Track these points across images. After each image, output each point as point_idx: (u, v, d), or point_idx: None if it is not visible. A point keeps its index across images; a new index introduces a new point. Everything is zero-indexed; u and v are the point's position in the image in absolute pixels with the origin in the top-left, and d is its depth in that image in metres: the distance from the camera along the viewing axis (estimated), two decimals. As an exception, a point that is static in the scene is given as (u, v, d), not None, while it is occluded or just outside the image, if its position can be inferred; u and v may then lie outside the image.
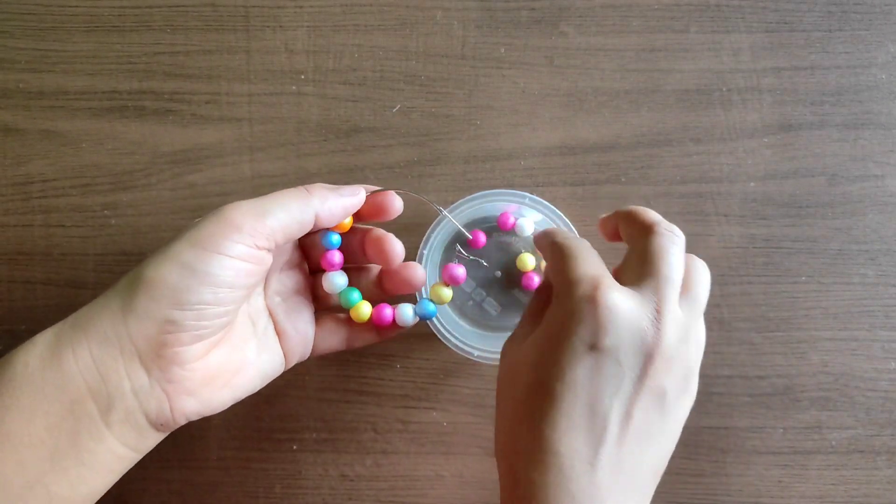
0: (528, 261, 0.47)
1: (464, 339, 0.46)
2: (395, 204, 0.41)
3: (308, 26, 0.51)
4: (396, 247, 0.41)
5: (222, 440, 0.49)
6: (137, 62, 0.51)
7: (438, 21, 0.51)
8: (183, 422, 0.37)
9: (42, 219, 0.50)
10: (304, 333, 0.42)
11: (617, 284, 0.34)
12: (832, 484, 0.49)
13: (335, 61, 0.51)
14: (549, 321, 0.35)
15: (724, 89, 0.50)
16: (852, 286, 0.49)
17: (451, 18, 0.51)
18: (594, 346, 0.33)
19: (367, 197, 0.41)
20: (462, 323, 0.48)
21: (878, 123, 0.50)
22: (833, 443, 0.49)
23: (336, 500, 0.49)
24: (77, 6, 0.51)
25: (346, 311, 0.43)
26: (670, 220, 0.49)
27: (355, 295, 0.42)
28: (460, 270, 0.43)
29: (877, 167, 0.50)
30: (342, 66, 0.51)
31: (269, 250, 0.37)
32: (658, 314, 0.34)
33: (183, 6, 0.51)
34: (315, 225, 0.38)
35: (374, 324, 0.43)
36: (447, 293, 0.43)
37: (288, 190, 0.38)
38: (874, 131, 0.50)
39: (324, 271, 0.42)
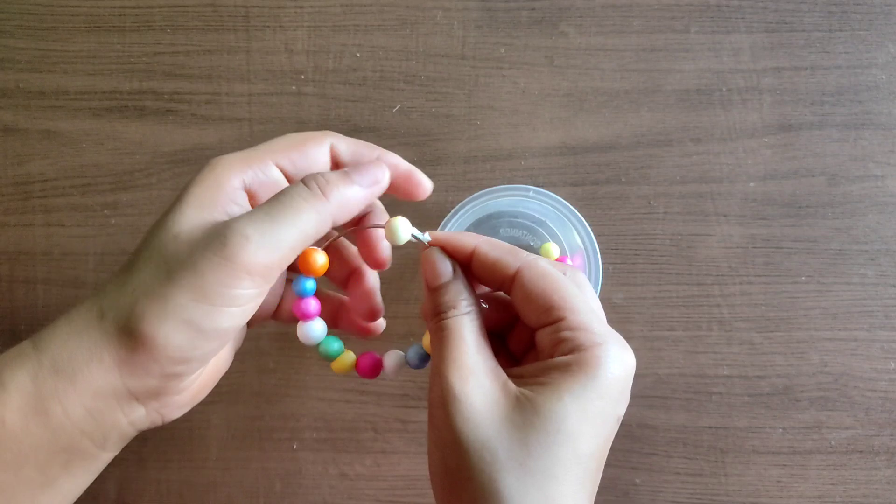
0: (553, 250, 0.46)
1: None
2: (425, 184, 0.36)
3: (308, 26, 0.51)
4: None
5: (222, 440, 0.50)
6: (138, 62, 0.51)
7: (438, 21, 0.51)
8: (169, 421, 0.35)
9: (42, 218, 0.50)
10: (270, 301, 0.38)
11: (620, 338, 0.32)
12: (831, 484, 0.49)
13: (335, 61, 0.51)
14: (574, 390, 0.30)
15: (724, 89, 0.50)
16: (852, 286, 0.49)
17: (451, 18, 0.51)
18: (619, 418, 0.31)
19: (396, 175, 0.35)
20: None
21: (878, 123, 0.50)
22: (832, 443, 0.49)
23: (336, 499, 0.49)
24: (77, 6, 0.51)
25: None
26: (670, 220, 0.50)
27: (336, 345, 0.37)
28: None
29: (877, 167, 0.50)
30: (342, 66, 0.51)
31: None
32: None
33: (183, 6, 0.51)
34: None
35: (357, 371, 0.38)
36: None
37: (300, 196, 0.31)
38: (874, 131, 0.50)
39: None
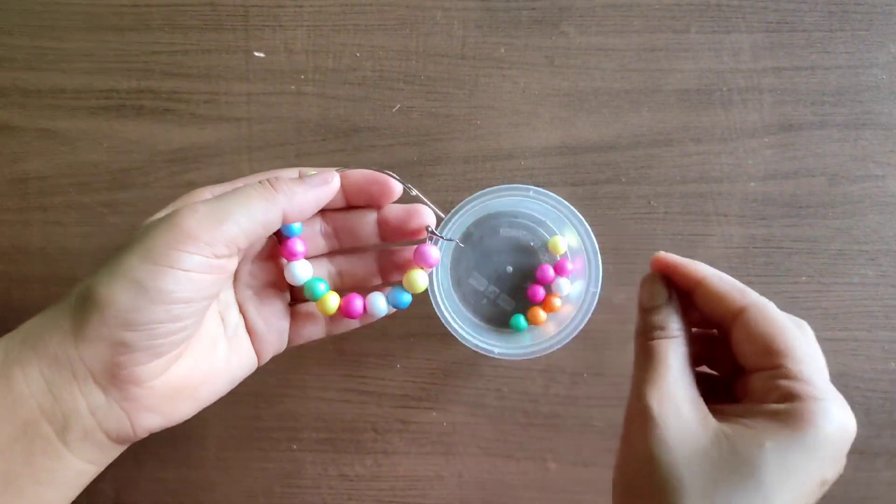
0: (560, 244, 0.47)
1: (481, 338, 0.45)
2: (394, 187, 0.38)
3: (308, 26, 0.51)
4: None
5: (221, 440, 0.49)
6: (136, 61, 0.51)
7: (438, 21, 0.51)
8: (145, 435, 0.35)
9: (40, 217, 0.50)
10: (277, 328, 0.40)
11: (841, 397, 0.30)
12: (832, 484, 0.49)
13: (335, 61, 0.51)
14: (781, 443, 0.29)
15: (725, 89, 0.50)
16: (852, 286, 0.49)
17: (451, 18, 0.51)
18: (826, 483, 0.30)
19: (358, 179, 0.39)
20: (478, 321, 0.48)
21: (879, 123, 0.50)
22: (833, 443, 0.49)
23: (335, 500, 0.49)
24: (75, 4, 0.51)
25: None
26: (670, 220, 0.50)
27: (321, 286, 0.39)
28: (433, 251, 0.40)
29: (877, 167, 0.50)
30: (342, 65, 0.51)
31: (230, 257, 0.34)
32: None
33: (182, 5, 0.51)
34: (283, 222, 0.36)
35: (343, 315, 0.40)
36: (422, 279, 0.40)
37: (250, 187, 0.35)
38: (874, 131, 0.50)
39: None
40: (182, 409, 0.36)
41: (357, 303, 0.39)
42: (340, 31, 0.51)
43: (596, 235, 0.46)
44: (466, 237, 0.47)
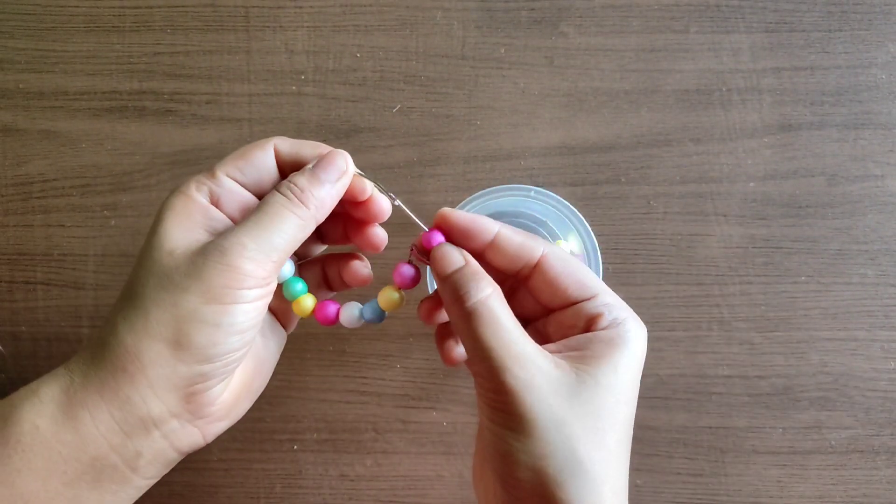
0: (564, 248, 0.47)
1: None
2: (384, 207, 0.37)
3: (308, 27, 0.51)
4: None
5: (223, 441, 0.49)
6: (137, 62, 0.51)
7: (438, 21, 0.51)
8: (212, 440, 0.36)
9: (42, 219, 0.50)
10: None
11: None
12: (831, 484, 0.49)
13: (335, 62, 0.51)
14: (624, 362, 0.33)
15: (724, 89, 0.50)
16: (852, 286, 0.49)
17: (451, 19, 0.51)
18: (640, 370, 0.34)
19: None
20: None
21: (878, 123, 0.50)
22: (832, 443, 0.49)
23: (336, 500, 0.49)
24: (77, 6, 0.51)
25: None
26: (670, 220, 0.50)
27: (299, 286, 0.38)
28: (411, 272, 0.37)
29: (877, 167, 0.50)
30: (342, 66, 0.51)
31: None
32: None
33: (183, 6, 0.51)
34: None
35: (316, 319, 0.39)
36: (397, 298, 0.38)
37: (283, 206, 0.34)
38: (874, 131, 0.50)
39: None
40: (244, 407, 0.37)
41: (331, 308, 0.39)
42: (341, 31, 0.51)
43: (596, 235, 0.46)
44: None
